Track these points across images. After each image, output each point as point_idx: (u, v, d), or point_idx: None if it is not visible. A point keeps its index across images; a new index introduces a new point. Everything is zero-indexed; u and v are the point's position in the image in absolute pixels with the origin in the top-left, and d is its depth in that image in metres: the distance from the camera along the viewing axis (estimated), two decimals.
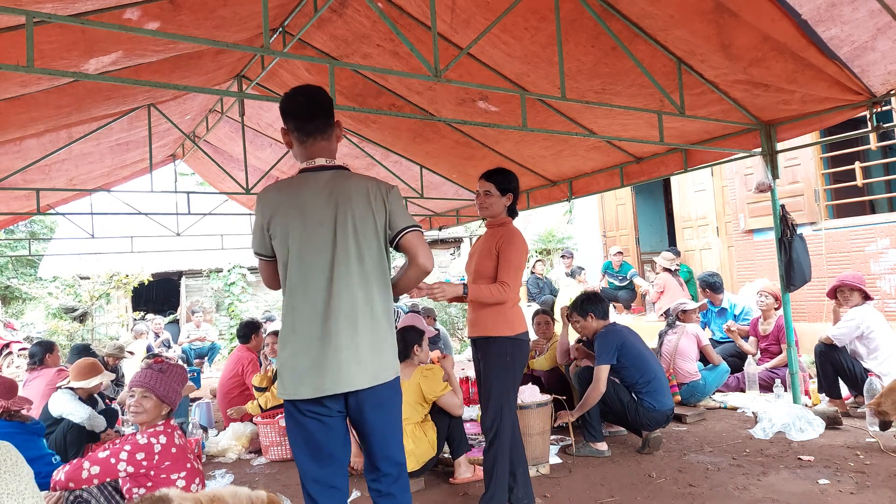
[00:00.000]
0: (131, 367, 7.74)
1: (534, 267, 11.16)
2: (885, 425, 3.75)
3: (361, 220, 2.12)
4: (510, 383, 3.05)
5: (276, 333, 5.49)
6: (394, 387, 2.18)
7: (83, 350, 5.68)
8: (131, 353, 7.34)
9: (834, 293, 4.86)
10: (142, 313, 13.26)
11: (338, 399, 2.08)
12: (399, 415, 2.23)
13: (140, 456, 2.55)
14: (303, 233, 2.10)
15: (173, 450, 2.63)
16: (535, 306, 8.85)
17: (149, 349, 8.00)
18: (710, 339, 5.99)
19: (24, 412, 3.48)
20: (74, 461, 2.57)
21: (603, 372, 4.04)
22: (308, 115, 2.19)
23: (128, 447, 2.56)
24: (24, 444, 3.33)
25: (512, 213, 3.22)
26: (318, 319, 2.06)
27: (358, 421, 2.14)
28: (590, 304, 4.33)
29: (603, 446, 4.14)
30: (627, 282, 9.66)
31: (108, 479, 2.59)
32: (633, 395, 4.12)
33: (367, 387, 2.07)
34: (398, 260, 9.70)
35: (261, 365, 5.72)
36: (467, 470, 3.80)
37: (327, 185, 2.14)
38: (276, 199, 2.16)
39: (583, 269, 10.11)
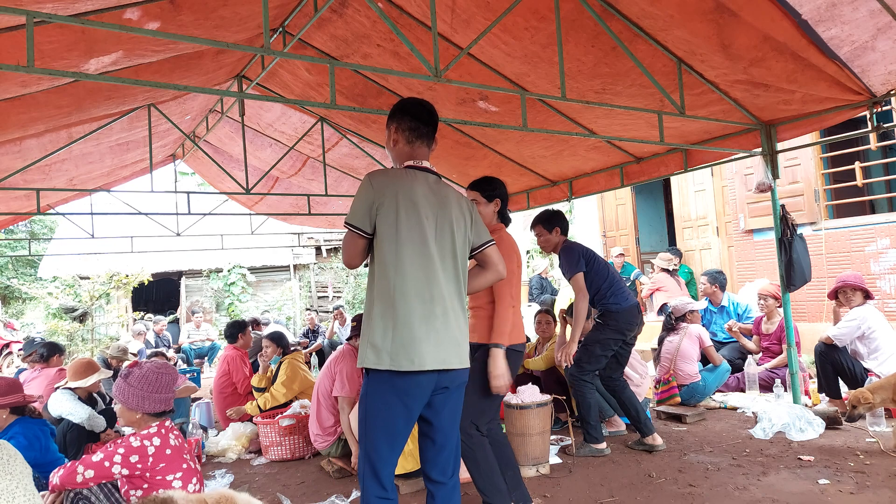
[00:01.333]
0: None
1: (544, 270, 11.17)
2: (853, 418, 3.81)
3: (457, 224, 2.39)
4: (497, 397, 3.05)
5: (274, 338, 5.50)
6: (468, 374, 2.41)
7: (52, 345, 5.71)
8: (134, 354, 7.34)
9: (835, 294, 4.86)
10: (141, 313, 13.26)
11: (431, 377, 2.22)
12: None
13: (134, 458, 2.55)
14: (415, 221, 2.28)
15: (168, 451, 2.63)
16: (536, 306, 8.86)
17: (140, 353, 7.98)
18: (714, 341, 5.99)
19: (34, 405, 3.51)
20: (68, 464, 2.57)
21: (579, 279, 4.11)
22: (428, 120, 2.45)
23: (121, 450, 2.56)
24: (46, 446, 3.37)
25: (504, 219, 3.22)
26: (426, 301, 2.24)
27: (440, 400, 2.30)
28: (557, 219, 4.29)
29: (603, 445, 4.15)
30: (630, 283, 9.67)
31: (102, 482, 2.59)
32: (599, 303, 4.18)
33: (460, 367, 2.31)
34: None
35: (256, 367, 5.73)
36: (465, 470, 3.79)
37: (434, 186, 2.39)
38: (390, 184, 2.31)
39: None
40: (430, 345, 2.19)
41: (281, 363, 5.29)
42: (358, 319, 4.50)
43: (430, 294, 2.23)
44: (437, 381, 2.25)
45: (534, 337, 5.70)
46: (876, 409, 3.84)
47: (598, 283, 4.17)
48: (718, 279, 6.62)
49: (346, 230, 2.31)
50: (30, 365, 5.56)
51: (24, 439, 3.22)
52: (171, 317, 14.40)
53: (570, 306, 4.68)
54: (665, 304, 6.41)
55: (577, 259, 4.12)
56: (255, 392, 5.35)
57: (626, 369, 4.68)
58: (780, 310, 5.63)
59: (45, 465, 3.12)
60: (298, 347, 6.65)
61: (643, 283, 9.39)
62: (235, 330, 5.80)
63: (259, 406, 5.09)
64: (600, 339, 4.17)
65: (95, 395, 4.64)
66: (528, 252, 14.44)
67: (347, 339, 4.46)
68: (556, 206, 4.63)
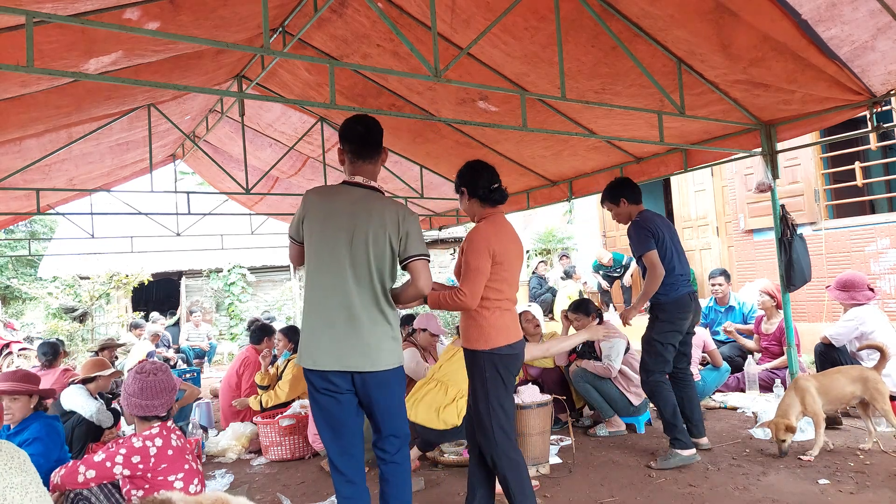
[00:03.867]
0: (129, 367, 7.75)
1: (536, 267, 11.18)
2: (784, 452, 3.79)
3: (374, 235, 2.51)
4: (495, 402, 2.81)
5: (286, 332, 5.55)
6: (395, 373, 2.58)
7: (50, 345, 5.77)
8: (121, 344, 7.41)
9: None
10: (142, 313, 13.25)
11: (344, 377, 2.50)
12: (400, 395, 2.65)
13: (136, 459, 2.55)
14: (328, 233, 2.53)
15: (170, 451, 2.63)
16: (536, 306, 8.85)
17: (150, 355, 8.01)
18: (715, 340, 5.99)
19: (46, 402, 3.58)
20: (70, 464, 2.57)
21: (654, 257, 3.83)
22: (363, 142, 2.64)
23: (123, 450, 2.56)
24: (62, 443, 3.42)
25: (488, 200, 2.92)
26: (330, 309, 2.49)
27: (364, 398, 2.56)
28: (621, 189, 4.07)
29: (692, 452, 3.85)
30: (623, 269, 9.68)
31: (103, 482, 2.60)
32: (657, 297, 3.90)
33: (367, 370, 2.48)
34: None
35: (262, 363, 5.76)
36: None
37: (357, 200, 2.57)
38: (315, 200, 2.61)
39: (574, 266, 10.13)
40: (330, 347, 2.46)
41: (289, 361, 5.31)
42: None
43: (335, 301, 2.48)
44: (353, 381, 2.51)
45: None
46: (794, 434, 3.82)
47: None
48: (729, 279, 6.61)
49: None
50: (41, 369, 5.63)
51: (46, 435, 3.29)
52: (174, 318, 14.39)
53: (571, 305, 4.68)
54: None
55: (645, 238, 3.87)
56: (259, 389, 5.36)
57: (628, 370, 4.68)
58: (779, 310, 5.63)
59: (59, 463, 3.16)
60: None
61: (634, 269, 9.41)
62: (262, 334, 5.86)
63: (261, 403, 5.10)
64: (655, 336, 3.93)
65: (100, 395, 4.67)
66: (527, 252, 14.44)
67: None
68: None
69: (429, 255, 2.64)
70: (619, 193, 4.09)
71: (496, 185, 2.91)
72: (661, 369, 3.94)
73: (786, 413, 3.80)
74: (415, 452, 4.03)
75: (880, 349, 3.96)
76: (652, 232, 3.91)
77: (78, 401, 4.29)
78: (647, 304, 4.05)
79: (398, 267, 2.61)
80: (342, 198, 2.58)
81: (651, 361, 3.95)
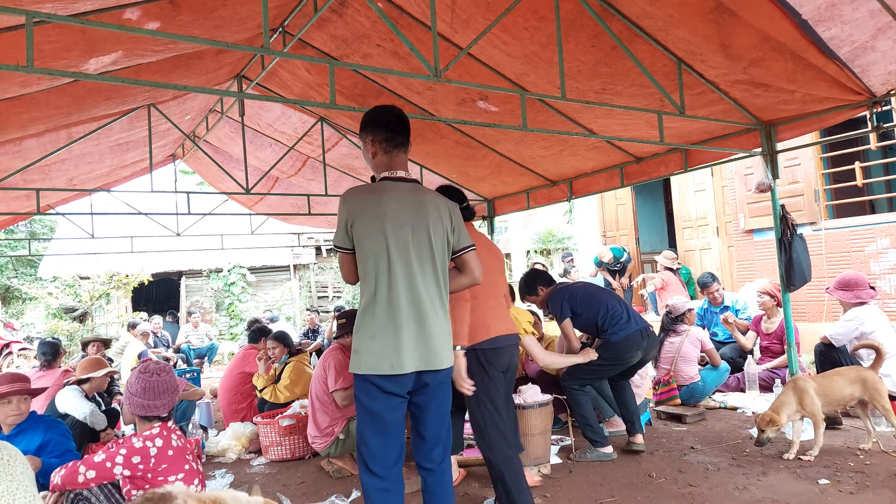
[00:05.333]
0: (126, 370, 7.76)
1: (533, 266, 11.19)
2: (762, 442, 3.82)
3: (435, 229, 2.45)
4: (484, 397, 2.95)
5: (278, 338, 5.53)
6: (451, 373, 2.53)
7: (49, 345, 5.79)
8: (107, 339, 7.44)
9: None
10: (141, 313, 13.26)
11: (412, 378, 2.36)
12: (451, 396, 2.54)
13: (136, 459, 2.55)
14: (387, 231, 2.38)
15: (170, 452, 2.63)
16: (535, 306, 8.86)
17: (142, 355, 8.01)
18: (714, 341, 6.00)
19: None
20: (70, 464, 2.57)
21: (567, 326, 4.19)
22: (399, 129, 2.52)
23: (123, 451, 2.56)
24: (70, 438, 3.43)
25: (469, 214, 3.15)
26: (402, 307, 2.35)
27: (425, 399, 2.43)
28: (533, 280, 4.40)
29: (608, 450, 4.09)
30: (622, 266, 9.71)
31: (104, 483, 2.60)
32: (601, 336, 4.17)
33: (438, 368, 2.39)
34: None
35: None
36: (454, 471, 3.77)
37: (409, 195, 2.46)
38: (361, 200, 2.45)
39: (574, 266, 10.15)
40: (406, 349, 2.32)
41: (287, 364, 5.31)
42: (345, 316, 4.52)
43: (404, 300, 2.35)
44: (416, 380, 2.38)
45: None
46: (783, 427, 3.85)
47: (594, 320, 4.17)
48: (718, 280, 6.68)
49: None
50: (39, 368, 5.63)
51: (56, 436, 3.31)
52: (174, 318, 14.39)
53: (520, 291, 4.69)
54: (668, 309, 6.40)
55: (561, 307, 4.19)
56: (258, 393, 5.37)
57: None
58: (780, 309, 5.63)
59: (74, 456, 3.18)
60: (304, 348, 6.69)
61: (635, 269, 9.43)
62: (260, 334, 5.93)
63: (265, 396, 5.15)
64: (597, 362, 4.12)
65: (97, 395, 4.66)
66: (527, 252, 14.45)
67: (335, 338, 4.47)
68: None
69: (475, 245, 2.63)
70: (533, 284, 4.38)
71: (465, 204, 3.10)
72: (580, 385, 4.16)
73: (778, 409, 3.79)
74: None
75: (876, 349, 3.97)
76: (567, 298, 4.22)
77: (71, 403, 4.25)
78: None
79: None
80: (392, 194, 2.44)
81: (577, 374, 4.14)
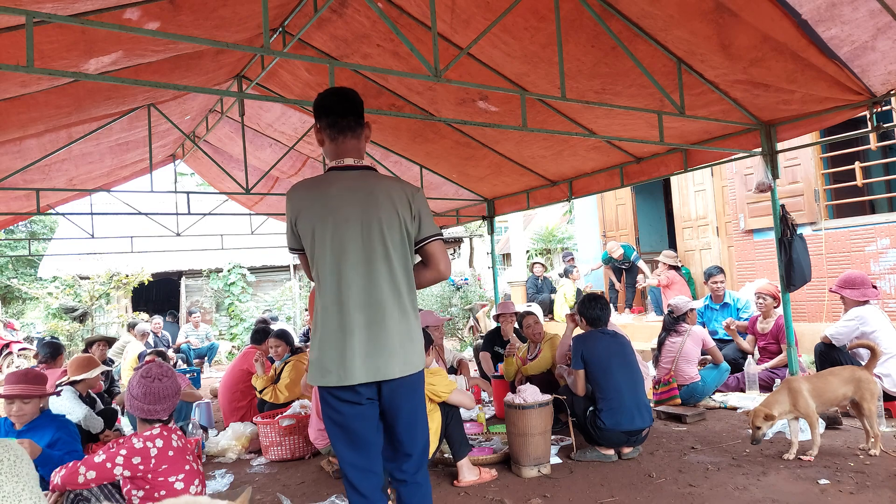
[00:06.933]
0: (127, 370, 7.76)
1: (532, 267, 11.20)
2: (757, 439, 3.80)
3: (388, 220, 2.20)
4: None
5: (280, 335, 5.55)
6: (421, 377, 2.30)
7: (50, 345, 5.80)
8: (112, 338, 7.45)
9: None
10: (142, 313, 13.25)
11: (370, 387, 2.18)
12: (423, 406, 2.34)
13: (136, 460, 2.55)
14: (330, 230, 2.18)
15: (170, 452, 2.63)
16: (536, 306, 8.86)
17: (141, 355, 8.02)
18: (715, 339, 6.00)
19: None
20: (70, 464, 2.57)
21: (577, 375, 4.15)
22: (340, 111, 2.26)
23: (123, 451, 2.56)
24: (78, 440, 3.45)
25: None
26: (348, 312, 2.15)
27: (389, 409, 2.23)
28: (587, 307, 4.34)
29: (609, 450, 4.05)
30: (631, 264, 9.69)
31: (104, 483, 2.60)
32: (592, 407, 4.07)
33: (399, 376, 2.18)
34: None
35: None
36: (471, 472, 3.76)
37: (355, 185, 2.22)
38: (303, 196, 2.24)
39: (574, 266, 10.14)
40: (355, 357, 2.12)
41: (286, 363, 5.31)
42: None
43: (353, 303, 2.15)
44: (380, 390, 2.19)
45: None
46: (776, 423, 3.85)
47: (593, 388, 4.13)
48: (724, 274, 6.70)
49: None
50: (39, 367, 5.62)
51: (64, 435, 3.33)
52: (175, 318, 14.39)
53: (574, 306, 4.67)
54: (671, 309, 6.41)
55: (575, 356, 4.15)
56: (257, 394, 5.37)
57: None
58: (777, 309, 5.63)
59: (80, 456, 3.19)
60: (303, 347, 6.70)
61: (642, 268, 9.41)
62: (263, 335, 5.94)
63: (265, 398, 5.14)
64: (578, 410, 4.10)
65: (94, 395, 4.65)
66: (527, 252, 14.44)
67: None
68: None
69: (442, 233, 2.36)
70: (583, 312, 4.34)
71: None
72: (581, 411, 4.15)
73: (770, 405, 3.79)
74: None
75: (872, 348, 3.96)
76: (580, 353, 4.14)
77: (65, 405, 4.22)
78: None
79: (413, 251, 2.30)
80: (337, 186, 2.21)
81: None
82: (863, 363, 4.57)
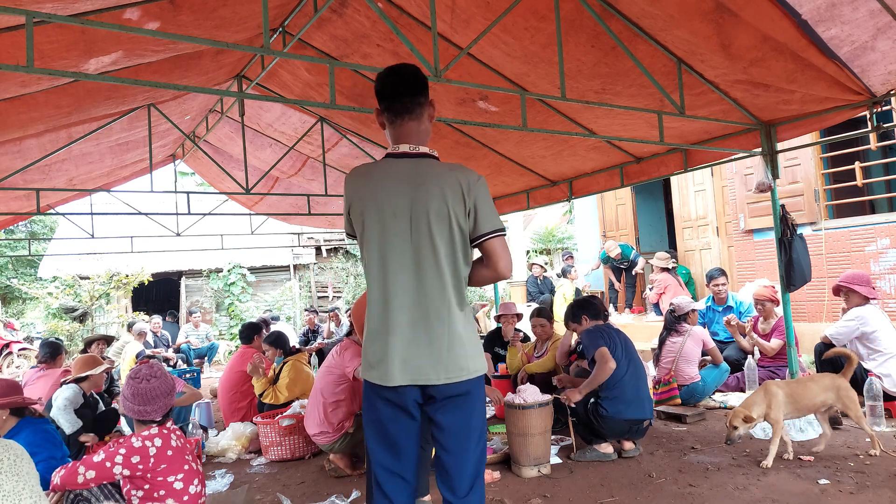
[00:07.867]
0: (125, 370, 7.76)
1: (531, 268, 11.20)
2: (732, 439, 3.77)
3: (437, 215, 2.03)
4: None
5: (271, 342, 5.56)
6: (475, 385, 2.07)
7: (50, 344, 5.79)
8: (111, 337, 7.45)
9: (838, 291, 4.88)
10: (140, 313, 13.26)
11: (413, 389, 2.03)
12: (479, 418, 2.10)
13: (135, 459, 2.55)
14: (378, 224, 2.05)
15: (169, 452, 2.63)
16: (536, 306, 8.86)
17: (139, 355, 8.02)
18: (716, 340, 5.99)
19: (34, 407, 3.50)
20: (69, 464, 2.57)
21: (605, 351, 4.01)
22: (397, 93, 2.10)
23: (122, 450, 2.56)
24: (60, 443, 3.38)
25: None
26: (392, 310, 2.02)
27: (433, 419, 2.06)
28: (580, 308, 4.42)
29: (608, 450, 4.05)
30: (630, 263, 9.69)
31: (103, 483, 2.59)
32: (593, 398, 4.07)
33: (442, 382, 2.00)
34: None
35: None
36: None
37: (407, 175, 2.06)
38: (358, 185, 2.12)
39: (573, 266, 10.14)
40: (397, 358, 2.00)
41: (284, 364, 5.30)
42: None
43: (398, 302, 2.02)
44: (421, 392, 2.04)
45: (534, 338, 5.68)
46: (754, 425, 3.83)
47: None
48: (726, 276, 6.69)
49: None
50: (37, 367, 5.62)
51: (37, 440, 3.23)
52: (175, 318, 14.39)
53: (566, 315, 4.64)
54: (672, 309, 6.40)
55: (596, 341, 4.11)
56: (258, 396, 5.37)
57: None
58: (778, 309, 5.63)
59: (59, 463, 3.15)
60: (302, 348, 6.69)
61: (641, 271, 9.40)
62: (251, 332, 5.92)
63: (266, 400, 5.15)
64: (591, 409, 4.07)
65: (97, 395, 4.64)
66: (527, 252, 14.44)
67: (347, 335, 4.43)
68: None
69: (505, 229, 2.14)
70: (579, 313, 4.43)
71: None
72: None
73: (749, 407, 3.76)
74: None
75: (847, 356, 3.97)
76: (599, 336, 4.15)
77: (62, 418, 4.13)
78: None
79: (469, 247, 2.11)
80: (389, 176, 2.07)
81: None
82: (863, 363, 4.59)
